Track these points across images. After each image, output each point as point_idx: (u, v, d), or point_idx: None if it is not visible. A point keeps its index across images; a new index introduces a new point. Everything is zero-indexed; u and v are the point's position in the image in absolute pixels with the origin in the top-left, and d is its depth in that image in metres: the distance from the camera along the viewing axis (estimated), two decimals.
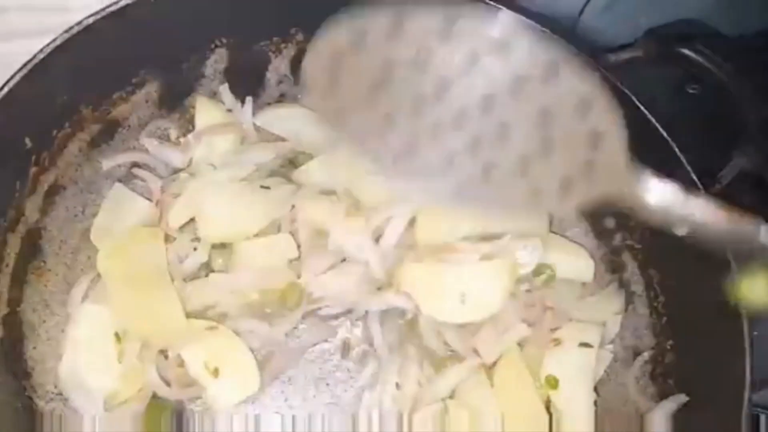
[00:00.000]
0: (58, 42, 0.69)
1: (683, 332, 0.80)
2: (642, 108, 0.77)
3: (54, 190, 0.80)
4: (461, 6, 0.53)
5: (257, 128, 0.89)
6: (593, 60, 0.78)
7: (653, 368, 0.81)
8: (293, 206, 0.82)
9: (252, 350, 0.78)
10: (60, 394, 0.76)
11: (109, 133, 0.84)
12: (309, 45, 0.55)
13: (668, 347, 0.81)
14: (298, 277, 0.80)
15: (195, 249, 0.81)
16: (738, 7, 0.93)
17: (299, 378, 0.80)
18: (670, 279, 0.82)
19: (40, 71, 0.70)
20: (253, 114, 0.89)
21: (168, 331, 0.77)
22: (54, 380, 0.76)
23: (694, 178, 0.74)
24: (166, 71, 0.84)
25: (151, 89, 0.84)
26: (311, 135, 0.90)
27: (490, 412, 0.77)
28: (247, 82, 0.90)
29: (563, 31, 0.79)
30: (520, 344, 0.80)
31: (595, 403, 0.79)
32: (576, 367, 0.79)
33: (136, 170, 0.85)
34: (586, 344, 0.80)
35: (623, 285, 0.86)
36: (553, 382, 0.78)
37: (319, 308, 0.81)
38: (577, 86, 0.54)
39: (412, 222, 0.82)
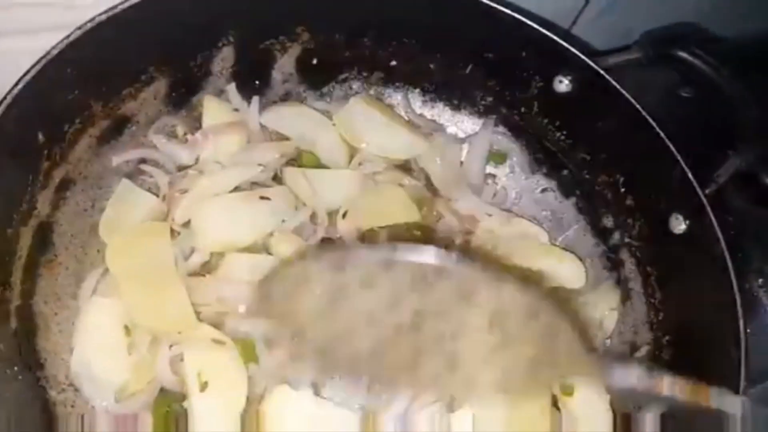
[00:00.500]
0: (71, 38, 0.70)
1: (680, 328, 0.81)
2: (640, 109, 0.79)
3: (65, 185, 0.81)
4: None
5: (262, 127, 0.90)
6: (591, 62, 0.80)
7: (650, 364, 0.82)
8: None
9: None
10: (71, 385, 0.77)
11: (117, 129, 0.85)
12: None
13: (665, 343, 0.82)
14: None
15: (192, 250, 0.81)
16: (732, 10, 0.95)
17: None
18: (667, 276, 0.83)
19: (53, 67, 0.71)
20: (259, 113, 0.90)
21: (176, 324, 0.77)
22: (66, 371, 0.77)
23: (691, 177, 0.76)
24: (174, 69, 0.85)
25: (160, 86, 0.85)
26: (315, 134, 0.92)
27: None
28: (253, 80, 0.91)
29: (560, 33, 0.82)
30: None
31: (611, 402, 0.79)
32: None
33: (143, 166, 0.86)
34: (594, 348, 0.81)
35: (621, 282, 0.88)
36: (569, 390, 0.78)
37: None
38: (521, 297, 0.57)
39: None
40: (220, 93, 0.90)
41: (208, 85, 0.89)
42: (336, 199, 0.87)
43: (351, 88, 0.95)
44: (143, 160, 0.87)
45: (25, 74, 0.69)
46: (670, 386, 0.61)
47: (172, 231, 0.82)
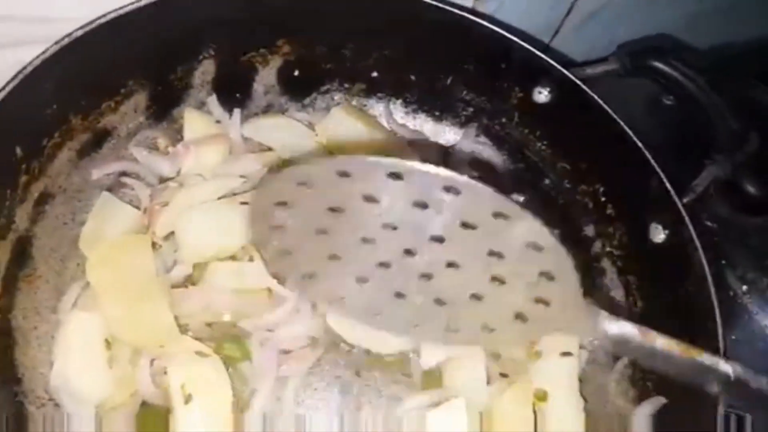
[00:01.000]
0: (47, 54, 0.70)
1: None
2: (618, 120, 0.80)
3: (44, 199, 0.80)
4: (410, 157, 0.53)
5: (244, 138, 0.90)
6: (568, 73, 0.81)
7: (633, 371, 0.83)
8: None
9: None
10: (51, 399, 0.76)
11: (97, 142, 0.84)
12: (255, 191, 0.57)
13: None
14: None
15: (175, 262, 0.81)
16: (710, 22, 0.96)
17: None
18: (648, 285, 0.84)
19: (31, 81, 0.71)
20: (241, 124, 0.90)
21: (158, 338, 0.77)
22: (45, 386, 0.76)
23: (669, 187, 0.77)
24: (154, 82, 0.85)
25: (140, 99, 0.85)
26: (297, 144, 0.92)
27: None
28: (234, 92, 0.91)
29: (539, 45, 0.82)
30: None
31: (585, 409, 0.80)
32: (561, 377, 0.80)
33: (124, 179, 0.86)
34: (567, 353, 0.81)
35: (603, 291, 0.89)
36: (542, 395, 0.79)
37: None
38: (526, 230, 0.53)
39: None
40: (201, 105, 0.90)
41: (189, 97, 0.89)
42: None
43: (333, 99, 0.96)
44: (124, 173, 0.86)
45: (1, 89, 0.69)
46: (663, 341, 0.60)
47: (153, 244, 0.81)
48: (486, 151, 0.96)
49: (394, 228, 0.55)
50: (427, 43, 0.87)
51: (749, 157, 0.80)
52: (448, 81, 0.92)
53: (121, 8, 0.74)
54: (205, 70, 0.88)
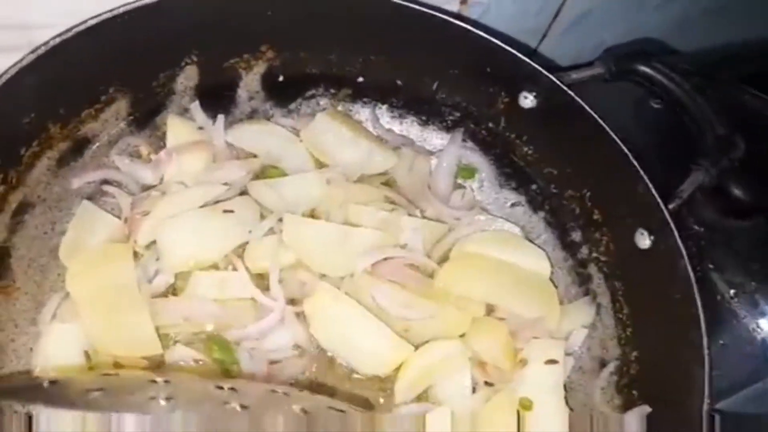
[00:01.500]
0: (24, 62, 0.69)
1: (647, 344, 0.81)
2: (604, 125, 0.79)
3: (22, 209, 0.79)
4: None
5: (228, 145, 0.90)
6: (554, 78, 0.80)
7: (619, 379, 0.83)
8: None
9: None
10: (28, 414, 0.74)
11: (78, 150, 0.83)
12: None
13: (632, 358, 0.82)
14: None
15: (156, 272, 0.80)
16: (695, 26, 0.96)
17: None
18: (634, 291, 0.83)
19: (7, 91, 0.70)
20: (225, 131, 0.89)
21: (139, 349, 0.76)
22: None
23: (654, 193, 0.76)
24: (136, 89, 0.84)
25: (121, 107, 0.84)
26: (282, 151, 0.91)
27: None
28: (218, 98, 0.90)
29: (524, 50, 0.82)
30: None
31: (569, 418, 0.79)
32: (546, 386, 0.80)
33: (106, 187, 0.85)
34: (553, 361, 0.80)
35: (589, 296, 0.88)
36: (527, 404, 0.78)
37: None
38: None
39: None
40: (184, 112, 0.89)
41: (171, 104, 0.88)
42: (302, 202, 0.86)
43: (318, 104, 0.95)
44: (105, 181, 0.86)
45: None
46: None
47: (134, 253, 0.80)
48: (473, 156, 0.95)
49: None
50: (413, 47, 0.86)
51: (735, 163, 0.79)
52: (435, 86, 0.92)
53: (99, 15, 0.73)
54: (188, 76, 0.87)
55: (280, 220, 0.83)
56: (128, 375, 0.73)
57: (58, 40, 0.70)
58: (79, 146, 0.83)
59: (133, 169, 0.86)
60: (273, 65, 0.90)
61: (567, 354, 0.83)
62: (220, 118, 0.89)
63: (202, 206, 0.83)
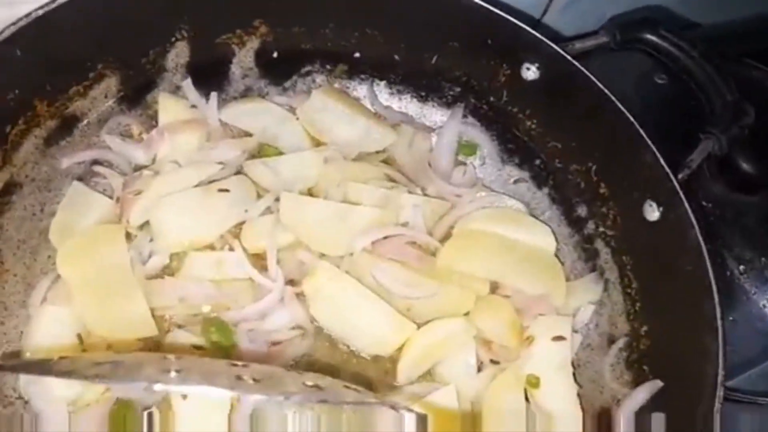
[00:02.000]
0: (5, 35, 0.67)
1: (657, 318, 0.79)
2: (609, 95, 0.77)
3: (10, 189, 0.78)
4: None
5: (222, 123, 0.88)
6: (557, 47, 0.78)
7: (628, 355, 0.81)
8: None
9: None
10: (20, 398, 0.73)
11: (67, 129, 0.82)
12: None
13: (642, 333, 0.80)
14: None
15: (150, 252, 0.79)
16: (700, 1, 0.93)
17: None
18: (643, 265, 0.81)
19: None
20: (218, 109, 0.87)
21: (133, 331, 0.75)
22: (13, 384, 0.73)
23: (663, 163, 0.74)
24: (125, 65, 0.82)
25: (110, 84, 0.83)
26: (278, 129, 0.89)
27: None
28: (211, 76, 0.88)
29: (526, 20, 0.79)
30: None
31: (578, 394, 0.78)
32: (554, 363, 0.78)
33: (96, 167, 0.83)
34: (560, 337, 0.79)
35: (597, 272, 0.86)
36: (534, 381, 0.77)
37: None
38: None
39: None
40: (176, 89, 0.87)
41: (162, 81, 0.86)
42: (299, 181, 0.84)
43: (314, 81, 0.93)
44: (96, 161, 0.84)
45: None
46: None
47: (127, 234, 0.79)
48: (474, 132, 0.93)
49: None
50: (411, 20, 0.84)
51: (745, 131, 0.77)
52: (434, 60, 0.89)
53: None
54: (179, 52, 0.85)
55: (277, 199, 0.82)
56: (138, 354, 0.72)
57: (40, 11, 0.68)
58: (68, 125, 0.82)
59: (124, 148, 0.84)
60: (266, 41, 0.88)
61: (574, 331, 0.81)
62: (214, 95, 0.87)
63: (196, 186, 0.81)
